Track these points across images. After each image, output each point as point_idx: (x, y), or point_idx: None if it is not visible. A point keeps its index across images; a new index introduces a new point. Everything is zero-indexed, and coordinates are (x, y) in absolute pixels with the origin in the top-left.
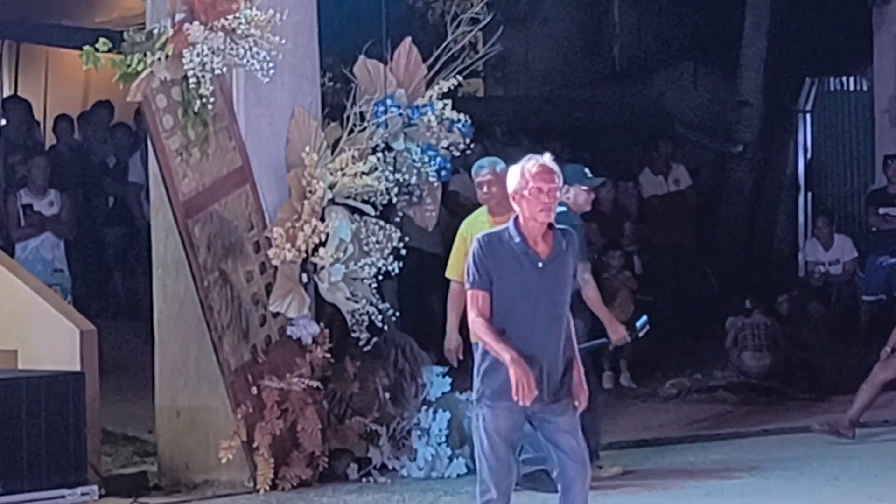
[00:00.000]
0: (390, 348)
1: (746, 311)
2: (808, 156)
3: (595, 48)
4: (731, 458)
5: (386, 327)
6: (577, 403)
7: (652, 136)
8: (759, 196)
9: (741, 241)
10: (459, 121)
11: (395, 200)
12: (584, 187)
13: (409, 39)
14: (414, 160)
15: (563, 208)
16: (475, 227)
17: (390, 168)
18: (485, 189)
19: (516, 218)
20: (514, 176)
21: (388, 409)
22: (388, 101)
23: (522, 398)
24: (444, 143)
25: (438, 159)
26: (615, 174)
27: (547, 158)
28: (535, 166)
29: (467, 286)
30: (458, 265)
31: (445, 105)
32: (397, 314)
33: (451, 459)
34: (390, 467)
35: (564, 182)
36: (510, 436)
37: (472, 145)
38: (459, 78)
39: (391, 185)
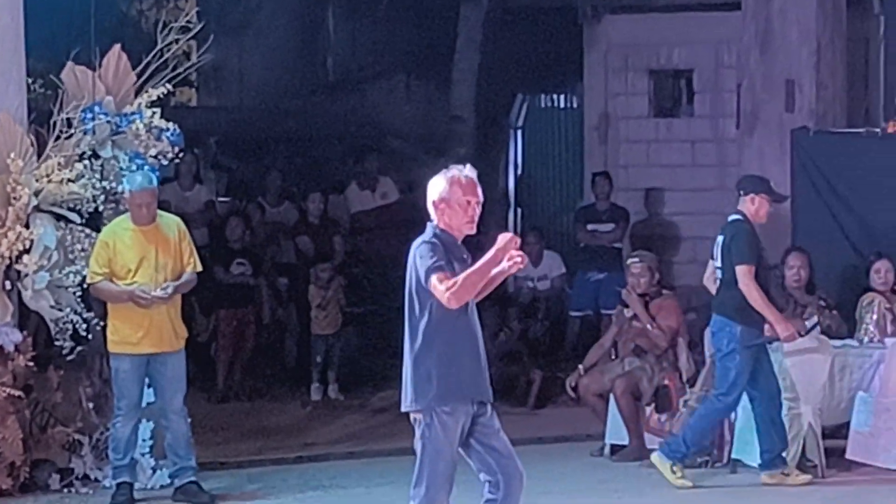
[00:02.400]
0: (94, 358)
1: None
2: (519, 172)
3: (309, 59)
4: None
5: (90, 336)
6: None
7: (362, 149)
8: None
9: None
10: (168, 129)
11: (101, 208)
12: (769, 198)
13: (118, 46)
14: (121, 168)
15: (739, 217)
16: (119, 234)
17: (97, 176)
18: (152, 207)
19: (439, 226)
20: (440, 184)
21: (92, 419)
22: (96, 108)
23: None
24: (153, 152)
25: (146, 168)
26: (327, 186)
27: (469, 170)
28: (464, 178)
29: (435, 269)
30: (99, 268)
31: (154, 113)
32: (102, 323)
33: (154, 471)
34: (93, 478)
35: (749, 191)
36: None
37: (181, 154)
38: (169, 86)
39: (98, 192)
